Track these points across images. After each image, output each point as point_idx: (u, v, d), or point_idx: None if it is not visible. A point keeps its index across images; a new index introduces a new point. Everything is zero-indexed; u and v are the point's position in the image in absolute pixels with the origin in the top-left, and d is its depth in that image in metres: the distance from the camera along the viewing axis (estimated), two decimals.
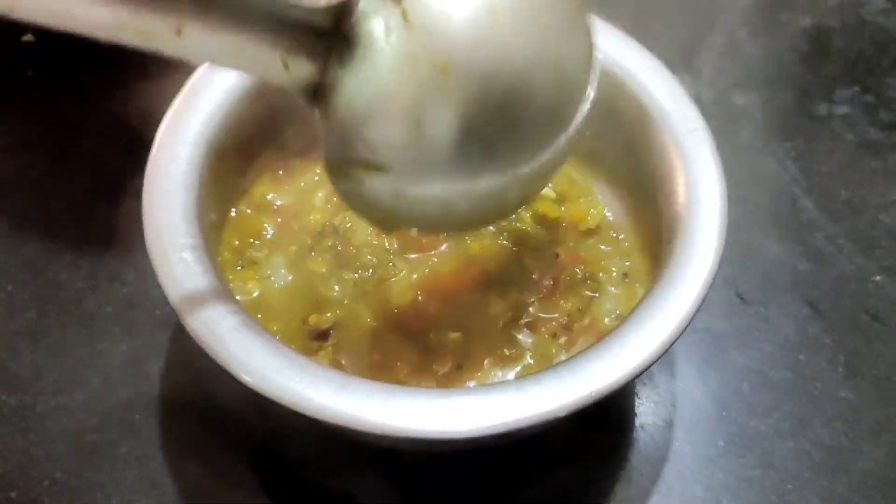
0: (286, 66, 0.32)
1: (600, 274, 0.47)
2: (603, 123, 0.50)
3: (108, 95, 0.64)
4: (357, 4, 0.32)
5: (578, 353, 0.39)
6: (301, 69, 0.33)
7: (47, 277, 0.54)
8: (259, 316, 0.45)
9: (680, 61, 0.61)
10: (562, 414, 0.37)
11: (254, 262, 0.47)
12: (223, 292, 0.39)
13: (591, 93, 0.37)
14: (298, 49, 0.32)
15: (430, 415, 0.36)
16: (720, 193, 0.43)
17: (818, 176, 0.61)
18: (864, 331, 0.53)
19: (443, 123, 0.33)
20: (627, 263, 0.47)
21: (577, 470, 0.47)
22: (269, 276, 0.47)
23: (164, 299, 0.39)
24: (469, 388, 0.38)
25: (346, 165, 0.35)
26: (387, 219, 0.38)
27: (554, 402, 0.37)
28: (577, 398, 0.37)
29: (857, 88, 0.66)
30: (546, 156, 0.36)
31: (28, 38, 0.67)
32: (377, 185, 0.35)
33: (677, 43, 0.69)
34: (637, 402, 0.50)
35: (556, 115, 0.36)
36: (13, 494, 0.45)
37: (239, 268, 0.47)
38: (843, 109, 0.65)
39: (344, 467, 0.47)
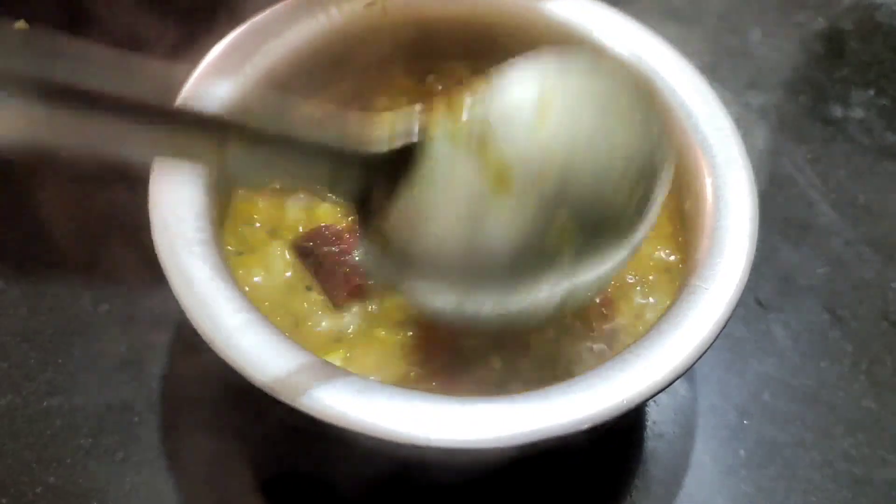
0: (333, 182, 0.32)
1: (650, 276, 0.45)
2: None
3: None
4: (424, 149, 0.32)
5: (606, 362, 0.37)
6: (350, 184, 0.33)
7: (39, 273, 0.52)
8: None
9: (693, 62, 0.60)
10: (586, 425, 0.35)
11: (252, 250, 0.45)
12: (234, 289, 0.37)
13: (659, 198, 0.36)
14: (349, 169, 0.32)
15: (452, 423, 0.34)
16: (750, 196, 0.42)
17: (835, 180, 0.60)
18: (885, 338, 0.52)
19: (500, 243, 0.32)
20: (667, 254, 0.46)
21: (595, 479, 0.46)
22: (270, 266, 0.45)
23: (164, 296, 0.37)
24: (494, 397, 0.36)
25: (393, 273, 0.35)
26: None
27: (581, 412, 0.35)
28: (605, 408, 0.35)
29: (872, 92, 0.65)
30: (606, 266, 0.35)
31: (21, 24, 0.65)
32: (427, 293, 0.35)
33: (690, 43, 0.68)
34: (656, 409, 0.48)
35: (620, 227, 0.35)
36: (4, 501, 0.43)
37: (241, 255, 0.45)
38: (858, 113, 0.64)
39: (352, 473, 0.45)
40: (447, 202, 0.32)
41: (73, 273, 0.52)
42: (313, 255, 0.44)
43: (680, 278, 0.44)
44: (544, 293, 0.35)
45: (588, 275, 0.35)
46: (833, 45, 0.69)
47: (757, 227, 0.40)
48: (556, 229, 0.33)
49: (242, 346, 0.35)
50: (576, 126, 0.32)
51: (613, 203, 0.34)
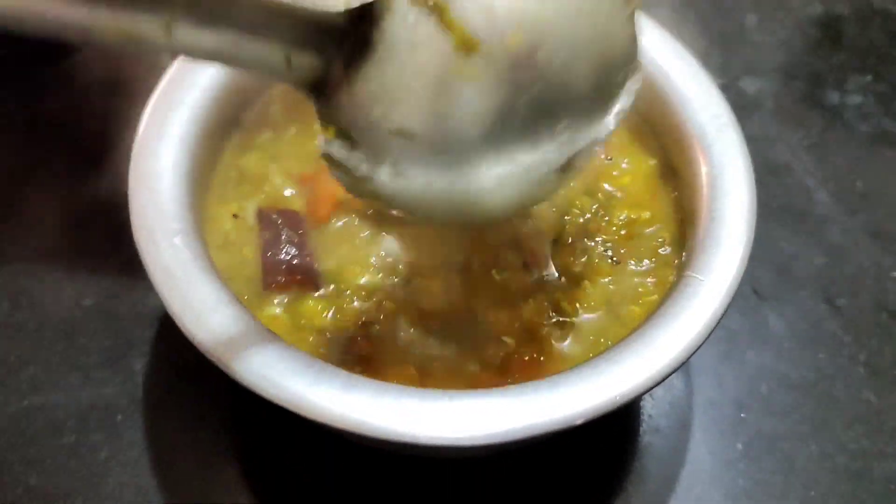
0: (289, 62, 0.30)
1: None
2: None
3: (76, 76, 0.60)
4: (383, 11, 0.30)
5: (599, 355, 0.36)
6: (305, 64, 0.31)
7: (19, 267, 0.51)
8: None
9: (687, 47, 0.59)
10: (578, 421, 0.34)
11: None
12: (217, 282, 0.36)
13: (636, 75, 0.34)
14: (304, 45, 0.30)
15: (441, 419, 0.33)
16: (748, 186, 0.41)
17: (833, 167, 0.59)
18: (884, 329, 0.51)
19: (469, 113, 0.30)
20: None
21: (590, 474, 0.45)
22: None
23: (148, 290, 0.36)
24: (482, 391, 0.35)
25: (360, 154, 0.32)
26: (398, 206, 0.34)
27: (573, 407, 0.34)
28: (597, 404, 0.34)
29: (869, 78, 0.64)
30: (581, 140, 0.34)
31: None
32: (398, 169, 0.32)
33: (685, 28, 0.66)
34: (651, 403, 0.47)
35: (593, 100, 0.33)
36: None
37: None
38: (856, 99, 0.63)
39: (341, 469, 0.44)
40: (411, 68, 0.30)
41: (56, 267, 0.50)
42: (274, 228, 0.43)
43: (676, 269, 0.43)
44: (513, 170, 0.33)
45: (557, 153, 0.33)
46: (830, 31, 0.68)
47: (755, 219, 0.39)
48: (527, 99, 0.31)
49: (225, 342, 0.34)
50: None
51: (585, 77, 0.32)
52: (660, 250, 0.44)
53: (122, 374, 0.47)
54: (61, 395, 0.46)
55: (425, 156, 0.31)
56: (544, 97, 0.31)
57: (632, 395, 0.34)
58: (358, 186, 0.33)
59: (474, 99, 0.30)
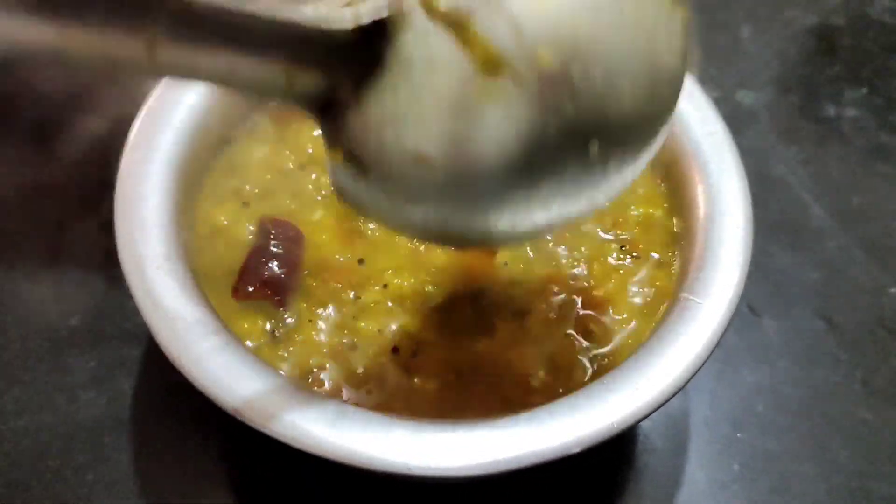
0: (290, 82, 0.27)
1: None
2: None
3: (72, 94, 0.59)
4: (397, 27, 0.26)
5: (594, 382, 0.35)
6: (309, 84, 0.27)
7: (5, 286, 0.50)
8: None
9: None
10: (574, 450, 0.33)
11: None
12: (204, 308, 0.36)
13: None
14: (308, 64, 0.27)
15: (434, 450, 0.32)
16: (744, 206, 0.40)
17: (828, 182, 0.58)
18: (881, 346, 0.50)
19: (493, 138, 0.27)
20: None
21: (587, 496, 0.44)
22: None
23: (135, 308, 0.35)
24: (476, 421, 0.35)
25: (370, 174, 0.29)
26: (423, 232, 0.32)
27: (568, 436, 0.33)
28: (593, 433, 0.33)
29: (865, 90, 0.64)
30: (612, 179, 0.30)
31: None
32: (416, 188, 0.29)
33: None
34: (647, 423, 0.46)
35: (633, 125, 0.29)
36: None
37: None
38: (851, 112, 0.62)
39: (334, 492, 0.44)
40: (428, 90, 0.27)
41: (41, 285, 0.50)
42: (267, 238, 0.41)
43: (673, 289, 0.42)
44: (540, 206, 0.30)
45: (588, 188, 0.30)
46: (825, 42, 0.67)
47: (751, 239, 0.39)
48: (559, 122, 0.27)
49: (213, 370, 0.34)
50: None
51: (625, 95, 0.28)
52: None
53: (109, 395, 0.46)
54: (47, 417, 0.45)
55: (441, 186, 0.28)
56: (578, 119, 0.27)
57: (627, 423, 0.34)
58: (367, 212, 0.31)
59: (499, 123, 0.26)
